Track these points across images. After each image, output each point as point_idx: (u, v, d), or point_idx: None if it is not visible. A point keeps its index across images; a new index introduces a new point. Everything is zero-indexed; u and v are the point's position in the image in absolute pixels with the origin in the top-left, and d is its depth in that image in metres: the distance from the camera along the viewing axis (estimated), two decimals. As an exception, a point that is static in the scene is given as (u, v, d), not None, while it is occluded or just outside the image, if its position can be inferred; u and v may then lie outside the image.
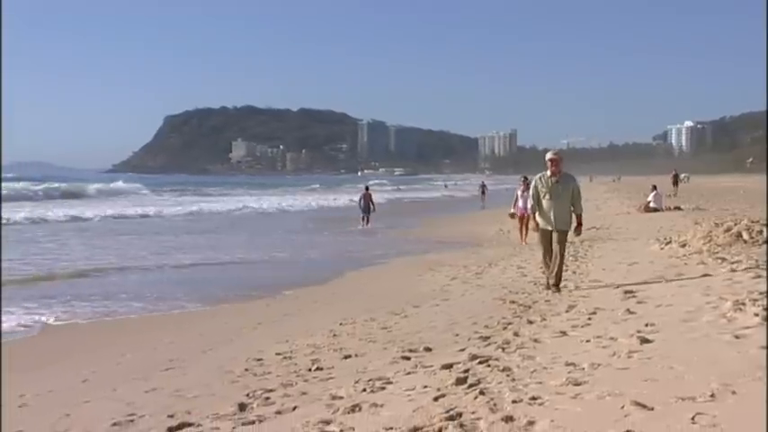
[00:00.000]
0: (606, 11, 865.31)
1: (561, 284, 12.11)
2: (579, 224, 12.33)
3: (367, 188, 36.65)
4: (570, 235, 12.49)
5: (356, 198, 35.13)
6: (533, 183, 12.50)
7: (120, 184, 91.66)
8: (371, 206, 34.95)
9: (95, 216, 42.66)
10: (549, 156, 12.28)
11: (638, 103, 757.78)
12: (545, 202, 12.11)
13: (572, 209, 12.20)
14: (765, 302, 8.21)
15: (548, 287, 12.07)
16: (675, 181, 58.70)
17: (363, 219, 34.47)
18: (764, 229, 15.00)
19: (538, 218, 12.24)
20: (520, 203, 22.51)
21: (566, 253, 12.65)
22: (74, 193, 73.79)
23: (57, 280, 17.57)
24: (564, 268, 12.62)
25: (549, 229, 12.09)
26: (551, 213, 12.03)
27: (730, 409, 4.85)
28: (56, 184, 79.50)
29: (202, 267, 20.32)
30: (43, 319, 13.11)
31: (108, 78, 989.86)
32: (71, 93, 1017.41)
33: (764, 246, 14.13)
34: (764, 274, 10.71)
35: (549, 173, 12.16)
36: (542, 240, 12.26)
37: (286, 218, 44.43)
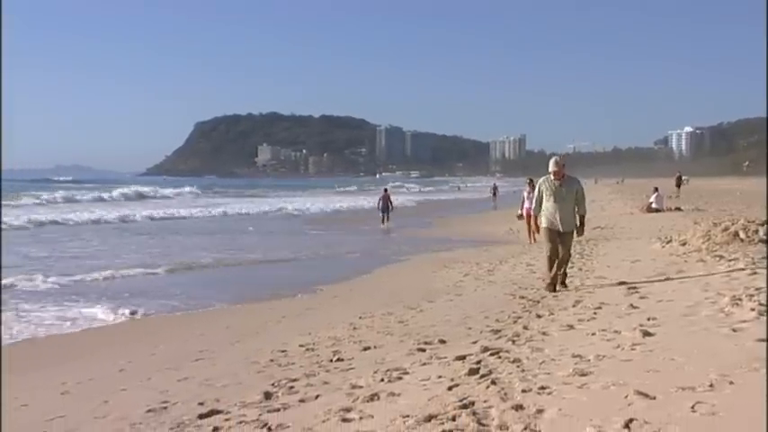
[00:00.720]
0: (612, 24, 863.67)
1: (567, 281, 11.93)
2: (581, 224, 11.89)
3: (386, 190, 36.82)
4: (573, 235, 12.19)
5: (379, 199, 35.31)
6: (538, 185, 12.10)
7: (171, 189, 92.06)
8: (390, 206, 35.02)
9: (161, 216, 43.89)
10: (551, 168, 11.79)
11: (641, 110, 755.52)
12: (550, 205, 11.69)
13: (576, 210, 11.83)
14: (765, 298, 8.17)
15: (550, 288, 11.58)
16: (678, 183, 57.79)
17: (383, 218, 34.53)
18: (760, 229, 14.90)
19: (543, 218, 11.79)
20: (527, 204, 22.42)
21: (571, 253, 12.32)
22: (145, 195, 76.33)
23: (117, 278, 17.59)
24: (570, 266, 12.40)
25: (557, 229, 11.69)
26: (556, 215, 11.63)
27: (728, 398, 4.83)
28: (130, 189, 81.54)
29: (234, 267, 20.40)
30: (96, 313, 13.24)
31: (142, 86, 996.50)
32: (107, 100, 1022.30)
33: (760, 244, 14.04)
34: (760, 270, 10.65)
35: (552, 176, 11.80)
36: (549, 238, 11.76)
37: (317, 219, 44.14)
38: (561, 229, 11.68)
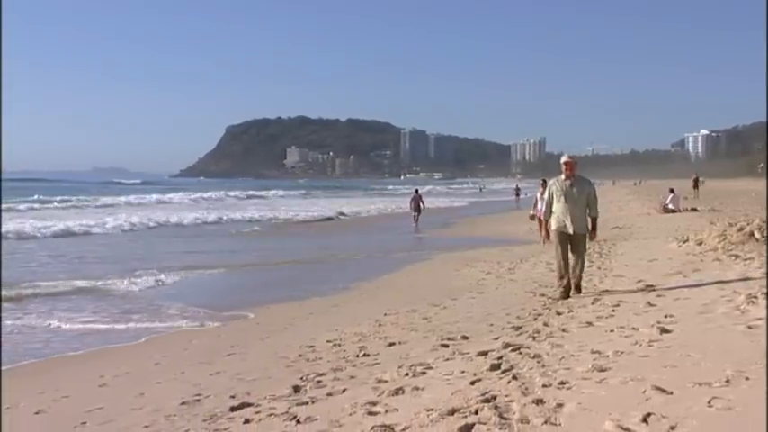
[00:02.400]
0: (629, 30, 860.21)
1: (583, 284, 10.97)
2: (593, 228, 11.01)
3: (417, 191, 36.99)
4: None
5: (411, 200, 35.53)
6: (548, 187, 11.21)
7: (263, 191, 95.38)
8: (421, 206, 35.19)
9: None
10: (563, 159, 10.87)
11: (658, 113, 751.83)
12: (561, 206, 10.70)
13: (588, 212, 10.87)
14: (765, 296, 8.13)
15: (563, 296, 10.58)
16: (696, 184, 55.93)
17: (414, 218, 34.71)
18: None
19: (553, 220, 10.82)
20: (539, 205, 22.11)
21: (585, 257, 11.21)
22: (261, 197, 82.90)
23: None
24: (586, 265, 11.68)
25: (567, 232, 10.69)
26: (568, 217, 10.63)
27: (744, 393, 4.80)
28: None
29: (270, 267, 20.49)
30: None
31: (174, 91, 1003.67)
32: (140, 104, 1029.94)
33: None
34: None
35: (563, 176, 10.84)
36: (560, 242, 10.77)
37: (361, 222, 43.45)
38: (573, 232, 10.69)
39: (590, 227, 10.98)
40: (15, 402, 7.56)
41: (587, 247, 11.57)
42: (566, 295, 10.59)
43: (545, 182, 19.85)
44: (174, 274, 17.75)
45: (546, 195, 11.25)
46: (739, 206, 35.34)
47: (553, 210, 10.87)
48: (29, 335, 11.31)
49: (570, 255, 10.77)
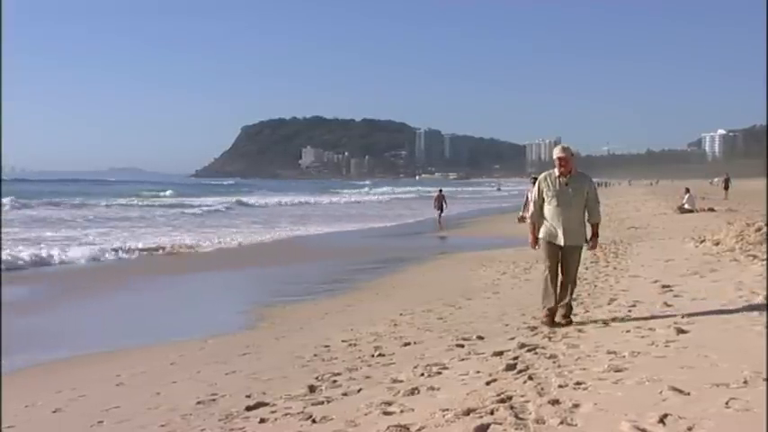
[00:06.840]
0: (645, 30, 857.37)
1: (572, 314, 8.68)
2: (594, 234, 8.80)
3: (440, 190, 37.66)
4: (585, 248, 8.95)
5: (434, 199, 36.57)
6: (537, 183, 8.96)
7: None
8: (444, 205, 35.81)
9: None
10: (556, 153, 8.76)
11: (674, 113, 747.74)
12: (552, 209, 8.56)
13: (587, 216, 8.70)
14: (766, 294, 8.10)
15: (548, 322, 8.45)
16: (726, 185, 51.92)
17: (438, 216, 35.34)
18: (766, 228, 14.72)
19: (542, 228, 8.68)
20: (531, 206, 21.50)
21: (577, 278, 9.03)
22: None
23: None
24: (575, 295, 9.09)
25: (558, 243, 8.55)
26: (559, 223, 8.49)
27: (762, 394, 4.77)
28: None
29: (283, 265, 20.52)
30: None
31: (190, 91, 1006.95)
32: (156, 105, 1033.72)
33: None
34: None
35: (556, 171, 8.70)
36: (548, 256, 8.60)
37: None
38: (564, 243, 8.52)
39: (590, 234, 8.82)
40: (33, 401, 7.62)
41: (582, 261, 9.33)
42: (551, 321, 8.49)
43: (536, 179, 18.78)
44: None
45: (533, 194, 9.07)
46: (757, 206, 35.07)
47: (543, 214, 8.74)
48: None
49: (560, 271, 8.67)
